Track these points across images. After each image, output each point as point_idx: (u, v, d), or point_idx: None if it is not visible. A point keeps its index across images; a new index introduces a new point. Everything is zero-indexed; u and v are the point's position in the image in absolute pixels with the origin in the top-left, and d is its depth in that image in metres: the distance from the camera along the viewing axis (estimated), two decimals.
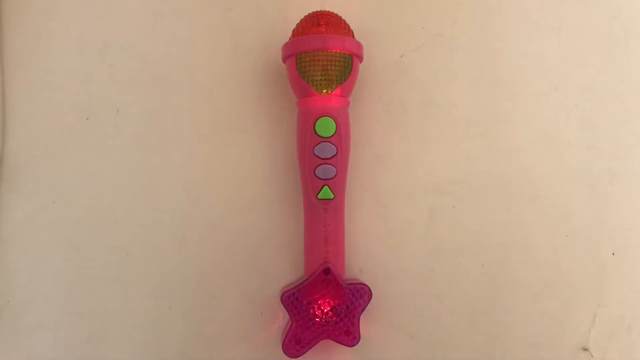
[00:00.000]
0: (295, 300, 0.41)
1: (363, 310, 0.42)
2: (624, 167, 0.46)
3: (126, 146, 0.45)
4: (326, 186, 0.41)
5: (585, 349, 0.44)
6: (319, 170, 0.40)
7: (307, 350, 0.41)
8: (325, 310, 0.41)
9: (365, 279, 0.44)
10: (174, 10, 0.47)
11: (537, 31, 0.47)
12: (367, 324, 0.43)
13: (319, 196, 0.41)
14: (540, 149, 0.46)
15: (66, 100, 0.46)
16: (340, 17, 0.42)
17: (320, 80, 0.40)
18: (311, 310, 0.41)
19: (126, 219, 0.45)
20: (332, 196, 0.41)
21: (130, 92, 0.46)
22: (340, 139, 0.40)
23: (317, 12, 0.42)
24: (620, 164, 0.46)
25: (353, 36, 0.42)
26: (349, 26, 0.42)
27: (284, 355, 0.41)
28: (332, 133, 0.40)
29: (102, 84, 0.46)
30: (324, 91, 0.40)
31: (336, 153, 0.40)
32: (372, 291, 0.42)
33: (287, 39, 0.42)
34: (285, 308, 0.41)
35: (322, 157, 0.40)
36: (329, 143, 0.40)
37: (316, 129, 0.40)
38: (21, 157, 0.45)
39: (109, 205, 0.45)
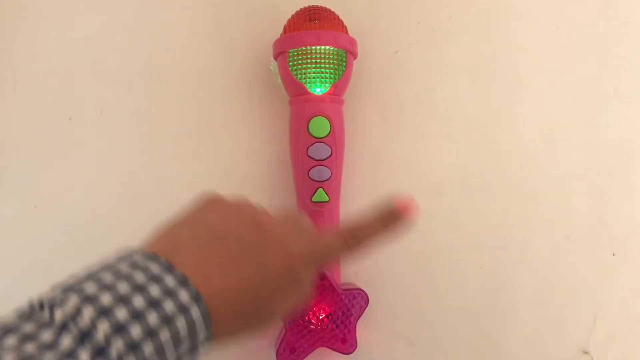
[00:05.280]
0: None
1: (360, 316, 0.41)
2: (624, 166, 0.45)
3: (111, 147, 0.44)
4: (321, 188, 0.39)
5: (586, 352, 0.43)
6: (313, 172, 0.39)
7: (302, 359, 0.40)
8: (321, 317, 0.40)
9: (361, 283, 0.43)
10: (160, 4, 0.45)
11: (535, 27, 0.46)
12: (364, 330, 0.42)
13: (313, 199, 0.39)
14: (538, 147, 0.45)
15: (48, 99, 0.44)
16: (333, 12, 0.41)
17: (313, 77, 0.39)
18: (306, 317, 0.40)
19: (111, 221, 0.43)
20: (327, 199, 0.39)
21: (115, 91, 0.44)
22: (335, 140, 0.39)
23: (309, 7, 0.41)
24: (620, 163, 0.45)
25: (347, 32, 0.41)
26: (342, 22, 0.41)
27: None
28: (327, 133, 0.39)
29: (85, 82, 0.44)
30: (317, 89, 0.39)
31: (331, 154, 0.39)
32: (369, 296, 0.41)
33: (279, 35, 0.41)
34: None
35: (316, 158, 0.39)
36: (323, 144, 0.39)
37: (310, 129, 0.39)
38: (2, 159, 0.44)
39: (93, 208, 0.43)
